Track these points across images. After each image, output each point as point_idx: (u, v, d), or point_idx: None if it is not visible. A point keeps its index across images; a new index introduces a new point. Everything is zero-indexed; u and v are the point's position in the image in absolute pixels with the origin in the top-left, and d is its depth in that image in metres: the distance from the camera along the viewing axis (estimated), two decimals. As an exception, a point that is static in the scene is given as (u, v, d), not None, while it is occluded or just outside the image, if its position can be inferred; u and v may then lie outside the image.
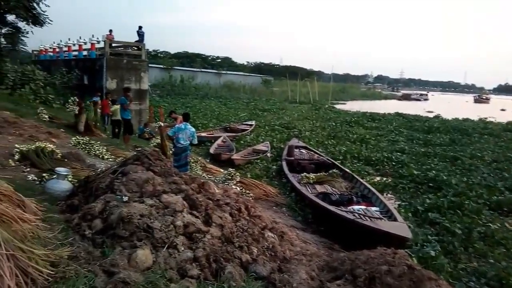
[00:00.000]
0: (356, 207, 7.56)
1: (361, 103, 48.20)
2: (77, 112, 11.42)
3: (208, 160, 13.12)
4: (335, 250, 5.78)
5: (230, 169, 9.89)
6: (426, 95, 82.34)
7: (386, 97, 73.02)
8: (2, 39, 15.97)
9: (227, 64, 73.05)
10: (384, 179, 11.71)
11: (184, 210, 3.79)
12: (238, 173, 9.54)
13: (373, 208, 7.61)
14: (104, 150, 8.00)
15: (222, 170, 10.81)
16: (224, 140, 16.94)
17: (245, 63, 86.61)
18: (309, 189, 9.06)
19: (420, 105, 50.65)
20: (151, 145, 12.18)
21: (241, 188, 8.43)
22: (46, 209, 3.72)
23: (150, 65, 33.26)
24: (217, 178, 9.08)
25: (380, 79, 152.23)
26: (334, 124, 23.78)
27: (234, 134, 19.02)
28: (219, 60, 77.24)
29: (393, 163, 13.52)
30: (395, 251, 4.08)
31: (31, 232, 3.07)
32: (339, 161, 12.85)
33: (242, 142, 17.66)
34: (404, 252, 4.22)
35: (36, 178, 4.88)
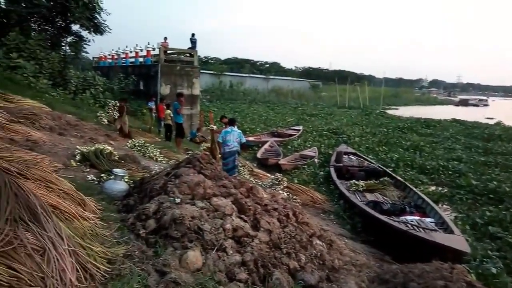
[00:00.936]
0: (409, 217, 7.23)
1: (414, 109, 46.16)
2: (116, 117, 10.85)
3: (255, 165, 13.23)
4: (386, 261, 5.55)
5: (277, 174, 9.88)
6: (486, 100, 77.03)
7: (442, 103, 69.44)
8: (67, 48, 17.19)
9: (275, 69, 73.39)
10: (440, 189, 11.13)
11: (233, 214, 3.83)
12: (285, 178, 9.51)
13: (428, 219, 7.24)
14: (158, 153, 8.32)
15: (269, 175, 10.83)
16: (272, 144, 16.99)
17: (293, 68, 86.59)
18: (358, 197, 8.81)
19: (479, 111, 47.55)
20: (201, 148, 12.50)
21: (288, 193, 8.40)
22: (104, 208, 3.91)
23: (201, 71, 34.25)
24: (264, 183, 9.11)
25: (435, 83, 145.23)
26: (385, 130, 22.99)
27: (281, 139, 19.02)
28: (268, 65, 77.83)
29: (450, 172, 12.81)
30: (453, 266, 3.85)
31: (90, 229, 3.26)
32: (391, 169, 12.39)
33: (289, 147, 17.60)
34: (462, 267, 3.97)
35: (95, 178, 5.16)
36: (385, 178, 10.08)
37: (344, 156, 12.93)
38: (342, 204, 8.87)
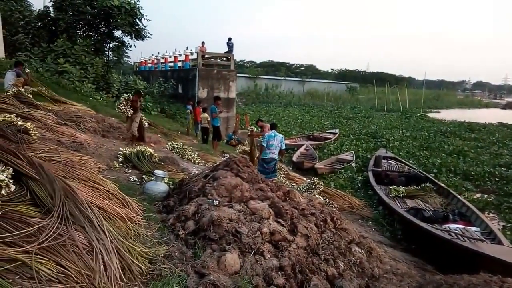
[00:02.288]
0: (452, 225, 6.91)
1: (457, 112, 44.14)
2: (129, 115, 7.85)
3: (290, 168, 13.15)
4: (428, 271, 5.32)
5: (314, 178, 9.77)
6: (536, 103, 72.31)
7: (487, 106, 65.90)
8: (110, 53, 17.92)
9: (311, 71, 72.91)
10: (485, 196, 10.57)
11: (270, 218, 3.82)
12: (321, 183, 9.37)
13: (473, 228, 6.87)
14: (196, 155, 8.45)
15: (304, 179, 10.73)
16: (307, 148, 16.85)
17: (330, 71, 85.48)
18: (398, 203, 8.53)
19: (529, 115, 44.72)
20: (237, 151, 12.60)
21: (324, 198, 8.26)
22: (145, 209, 4.01)
23: (237, 74, 34.64)
24: (300, 187, 9.03)
25: (479, 85, 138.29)
26: (426, 134, 22.11)
27: (317, 142, 18.83)
28: (303, 68, 77.48)
29: (496, 179, 12.13)
30: (503, 279, 3.62)
31: (133, 229, 3.35)
32: (433, 175, 11.91)
33: (325, 150, 17.38)
34: (513, 281, 3.72)
35: (136, 179, 5.32)
36: (427, 184, 9.69)
37: (383, 160, 12.58)
38: (381, 210, 8.62)
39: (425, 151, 16.74)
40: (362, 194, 10.27)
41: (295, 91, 49.68)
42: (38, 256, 2.33)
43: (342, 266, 3.80)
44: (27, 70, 9.60)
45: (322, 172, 12.75)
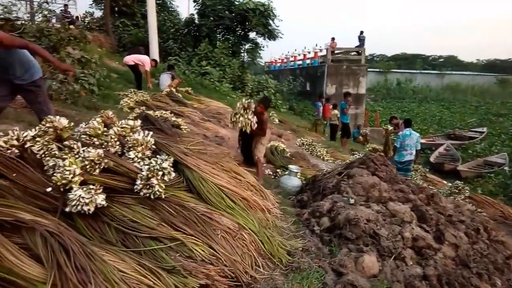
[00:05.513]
0: None
1: None
2: (253, 127, 5.00)
3: (427, 169, 12.05)
4: None
5: (457, 181, 8.73)
6: None
7: None
8: (245, 54, 19.11)
9: (451, 63, 65.26)
10: None
11: (413, 222, 3.55)
12: (466, 187, 8.33)
13: None
14: (325, 152, 8.41)
15: (445, 182, 9.71)
16: (448, 148, 15.24)
17: (474, 61, 75.16)
18: None
19: None
20: (366, 149, 12.09)
21: (471, 204, 7.33)
22: (281, 202, 4.14)
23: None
24: (440, 190, 8.19)
25: None
26: None
27: (459, 142, 16.92)
28: (442, 59, 69.90)
29: None
30: None
31: (271, 221, 3.49)
32: None
33: (469, 151, 15.48)
34: None
35: (271, 173, 5.55)
36: None
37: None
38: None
39: None
40: (519, 203, 8.80)
41: (432, 85, 45.12)
42: (193, 238, 2.59)
43: (500, 284, 3.31)
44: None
45: (466, 175, 11.38)
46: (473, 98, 38.56)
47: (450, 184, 8.70)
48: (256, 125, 4.85)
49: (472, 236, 3.76)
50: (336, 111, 12.28)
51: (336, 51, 20.99)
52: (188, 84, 11.60)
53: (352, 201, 3.74)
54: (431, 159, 13.57)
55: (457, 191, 7.92)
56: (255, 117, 4.85)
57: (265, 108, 5.07)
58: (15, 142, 2.50)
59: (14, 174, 2.38)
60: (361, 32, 20.83)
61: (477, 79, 49.82)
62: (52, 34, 7.22)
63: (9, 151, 2.47)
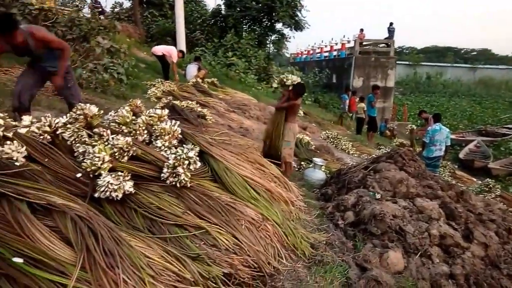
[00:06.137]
0: None
1: None
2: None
3: (456, 166, 11.70)
4: None
5: (488, 179, 8.44)
6: None
7: None
8: (271, 45, 18.99)
9: (485, 56, 62.60)
10: None
11: (440, 219, 3.45)
12: (498, 186, 8.05)
13: None
14: (350, 146, 8.29)
15: (475, 180, 9.41)
16: (478, 145, 14.73)
17: (510, 55, 71.88)
18: None
19: None
20: (394, 144, 11.84)
21: (501, 203, 7.07)
22: (305, 194, 4.11)
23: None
24: (469, 188, 7.94)
25: None
26: None
27: (491, 138, 16.31)
28: (475, 52, 67.19)
29: None
30: None
31: (295, 213, 3.47)
32: None
33: (502, 148, 14.92)
34: None
35: (295, 166, 5.51)
36: None
37: None
38: None
39: None
40: (554, 205, 8.41)
41: (464, 80, 43.51)
42: (218, 227, 2.61)
43: (532, 288, 3.18)
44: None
45: (498, 173, 10.98)
46: (507, 93, 36.97)
47: (480, 182, 8.43)
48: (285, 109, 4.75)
49: (503, 236, 3.63)
50: (362, 104, 12.04)
51: (364, 43, 20.53)
52: (213, 75, 11.64)
53: (378, 196, 3.68)
54: (461, 155, 13.15)
55: (487, 189, 7.68)
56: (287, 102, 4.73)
57: (297, 95, 4.79)
58: (47, 129, 2.58)
59: (46, 160, 2.45)
60: (391, 24, 20.29)
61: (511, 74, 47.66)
62: (83, 24, 7.37)
63: (41, 137, 2.55)
